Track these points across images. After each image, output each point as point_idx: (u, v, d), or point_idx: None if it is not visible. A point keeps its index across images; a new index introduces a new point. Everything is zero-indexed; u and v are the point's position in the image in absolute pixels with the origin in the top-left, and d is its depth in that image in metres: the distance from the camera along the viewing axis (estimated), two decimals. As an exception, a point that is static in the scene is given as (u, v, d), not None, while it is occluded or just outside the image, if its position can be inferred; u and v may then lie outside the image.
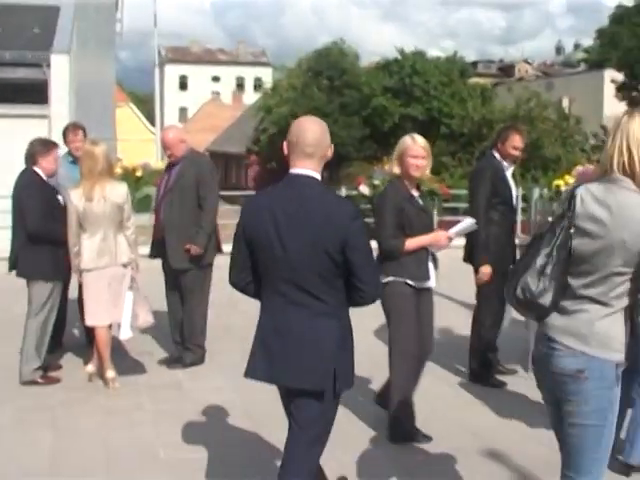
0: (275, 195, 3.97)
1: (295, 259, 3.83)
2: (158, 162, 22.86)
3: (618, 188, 3.48)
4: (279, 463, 5.03)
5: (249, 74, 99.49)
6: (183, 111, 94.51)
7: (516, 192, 7.50)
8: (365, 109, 46.04)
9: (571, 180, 15.75)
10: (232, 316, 9.79)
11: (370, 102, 45.51)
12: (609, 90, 46.60)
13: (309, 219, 3.81)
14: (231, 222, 19.38)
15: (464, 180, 28.76)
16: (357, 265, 3.81)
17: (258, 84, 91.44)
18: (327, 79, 48.13)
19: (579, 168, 16.40)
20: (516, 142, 7.31)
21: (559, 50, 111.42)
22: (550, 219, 3.56)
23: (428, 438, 5.99)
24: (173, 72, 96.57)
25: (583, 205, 3.50)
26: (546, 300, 3.52)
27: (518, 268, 3.65)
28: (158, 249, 7.81)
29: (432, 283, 6.01)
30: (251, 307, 10.13)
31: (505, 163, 7.35)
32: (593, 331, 3.49)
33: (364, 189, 13.84)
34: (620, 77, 44.64)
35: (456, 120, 43.11)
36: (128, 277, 7.12)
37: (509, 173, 7.40)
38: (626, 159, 3.48)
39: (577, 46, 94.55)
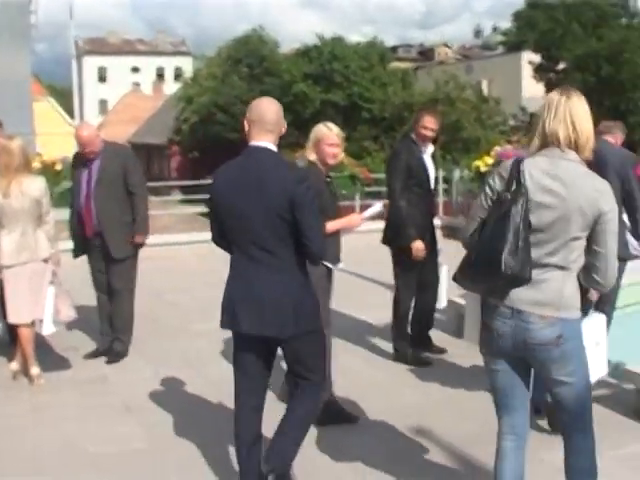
0: (236, 166, 4.51)
1: (255, 222, 4.30)
2: (78, 155, 22.56)
3: (564, 161, 3.78)
4: (210, 455, 5.10)
5: (169, 64, 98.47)
6: (103, 103, 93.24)
7: (435, 174, 7.59)
8: (286, 96, 45.93)
9: (490, 161, 16.01)
10: (156, 307, 9.75)
11: (291, 89, 45.52)
12: (527, 72, 47.34)
13: (264, 186, 4.31)
14: (157, 213, 19.17)
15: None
16: (303, 224, 4.27)
17: (178, 74, 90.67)
18: (247, 67, 48.04)
19: (498, 149, 16.73)
20: (426, 122, 7.40)
21: (478, 33, 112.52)
22: (503, 197, 3.78)
23: (355, 418, 6.09)
24: (92, 64, 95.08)
25: (533, 179, 3.76)
26: (527, 273, 3.73)
27: (485, 246, 3.80)
28: (86, 245, 7.76)
29: (342, 265, 6.11)
30: (176, 297, 10.16)
31: (422, 145, 7.46)
32: (563, 297, 3.80)
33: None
34: (537, 59, 45.36)
35: (377, 105, 43.43)
36: (49, 272, 7.04)
37: (427, 155, 7.49)
38: (571, 134, 3.79)
39: (495, 29, 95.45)
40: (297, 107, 45.32)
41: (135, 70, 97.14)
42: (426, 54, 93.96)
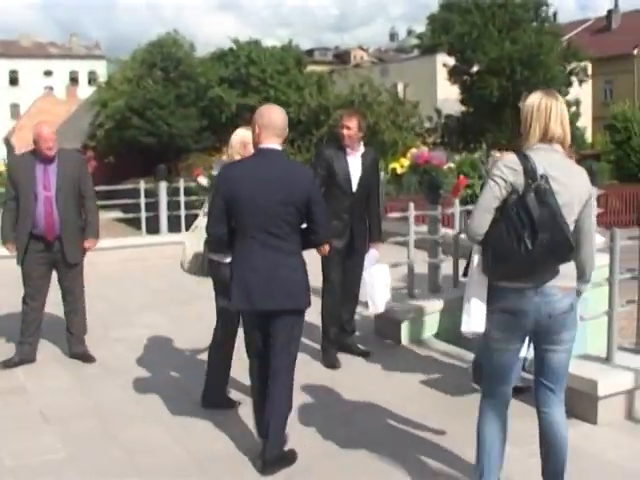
0: (251, 164, 5.24)
1: (269, 211, 5.04)
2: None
3: (559, 154, 4.37)
4: (132, 463, 5.06)
5: (83, 67, 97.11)
6: (15, 107, 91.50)
7: (359, 174, 7.56)
8: (202, 100, 45.85)
9: (406, 162, 16.18)
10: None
11: (207, 93, 45.33)
12: (442, 74, 47.85)
13: (280, 181, 5.08)
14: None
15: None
16: (317, 214, 5.17)
17: (92, 78, 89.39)
18: (162, 70, 47.63)
19: (414, 151, 16.92)
20: (343, 121, 7.49)
21: (393, 36, 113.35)
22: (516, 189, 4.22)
23: (236, 403, 6.41)
24: (3, 67, 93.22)
25: (545, 171, 4.22)
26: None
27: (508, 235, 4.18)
28: (27, 251, 7.63)
29: None
30: (94, 303, 9.99)
31: (348, 147, 7.50)
32: (573, 270, 4.38)
33: (202, 180, 13.83)
34: (452, 62, 45.92)
35: (293, 108, 43.45)
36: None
37: (352, 157, 7.51)
38: (562, 132, 4.37)
39: (410, 32, 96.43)
40: (213, 111, 45.20)
41: (48, 74, 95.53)
42: (342, 57, 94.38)
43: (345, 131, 7.46)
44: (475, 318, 4.53)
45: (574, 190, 4.28)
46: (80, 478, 5.24)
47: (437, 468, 5.25)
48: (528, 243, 4.11)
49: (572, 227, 4.25)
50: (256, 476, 5.18)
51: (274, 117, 5.21)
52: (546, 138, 4.35)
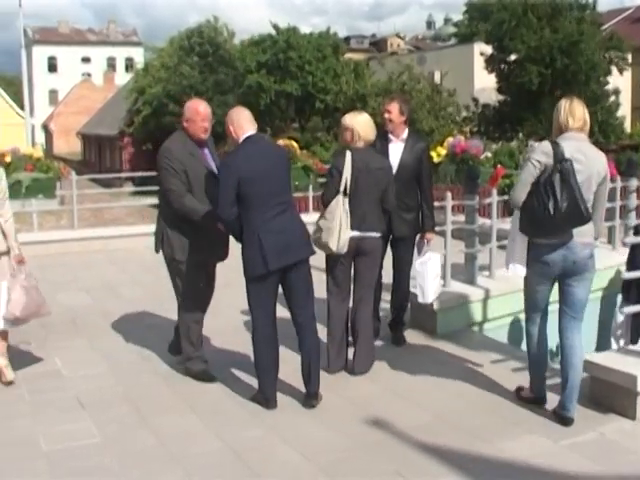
0: (255, 150, 6.08)
1: (280, 184, 6.11)
2: (28, 147, 22.18)
3: (584, 142, 5.73)
4: (166, 449, 5.07)
5: (120, 54, 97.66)
6: (53, 93, 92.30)
7: (400, 160, 7.47)
8: (240, 87, 45.80)
9: (443, 151, 16.05)
10: (109, 300, 9.65)
11: (244, 79, 45.29)
12: (479, 63, 47.50)
13: (280, 158, 6.27)
14: (108, 205, 19.05)
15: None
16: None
17: (130, 64, 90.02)
18: (199, 57, 47.65)
19: (450, 139, 16.77)
20: (385, 105, 7.50)
21: (430, 24, 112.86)
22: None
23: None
24: (41, 53, 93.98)
25: (571, 154, 5.54)
26: (590, 216, 5.61)
27: (564, 203, 5.48)
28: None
29: None
30: (129, 290, 10.05)
31: (389, 133, 7.48)
32: (590, 229, 5.76)
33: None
34: (489, 50, 45.57)
35: (330, 95, 43.38)
36: (6, 267, 6.83)
37: (393, 143, 7.49)
38: (585, 125, 5.76)
39: (447, 20, 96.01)
40: (251, 99, 45.20)
41: (86, 60, 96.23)
42: (378, 45, 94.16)
43: (386, 115, 7.42)
44: (518, 265, 6.17)
45: (593, 170, 5.66)
46: (115, 463, 5.25)
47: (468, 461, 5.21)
48: (551, 210, 5.48)
49: (592, 197, 5.70)
50: (291, 466, 5.16)
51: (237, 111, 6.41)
52: (573, 129, 5.69)
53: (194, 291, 6.82)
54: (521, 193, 5.67)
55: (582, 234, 5.69)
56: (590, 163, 5.63)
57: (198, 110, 6.67)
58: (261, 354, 6.18)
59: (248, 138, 6.11)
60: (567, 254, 5.69)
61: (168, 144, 6.76)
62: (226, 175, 5.98)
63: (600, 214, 5.91)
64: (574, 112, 5.70)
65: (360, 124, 6.81)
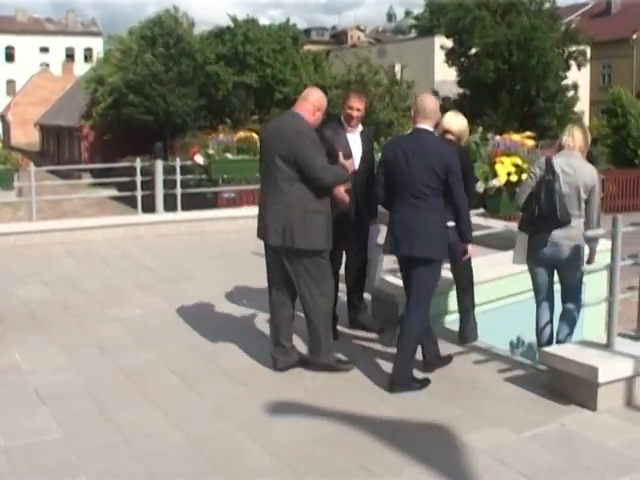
0: (405, 139, 6.70)
1: (415, 176, 6.26)
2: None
3: (574, 157, 6.99)
4: (126, 444, 5.01)
5: (79, 44, 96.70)
6: (11, 84, 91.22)
7: (360, 154, 7.49)
8: (199, 78, 45.61)
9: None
10: (68, 294, 9.55)
11: (203, 70, 45.12)
12: (439, 56, 47.72)
13: (426, 153, 6.30)
14: (67, 197, 18.90)
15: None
16: (452, 183, 6.29)
17: (89, 55, 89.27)
18: (163, 47, 47.39)
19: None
20: (352, 102, 7.43)
21: (391, 17, 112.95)
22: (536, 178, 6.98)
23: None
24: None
25: (560, 168, 6.86)
26: (567, 219, 6.80)
27: (537, 206, 6.86)
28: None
29: None
30: (89, 283, 9.95)
31: (348, 126, 7.47)
32: (575, 229, 6.91)
33: (199, 159, 13.70)
34: (449, 44, 45.76)
35: (290, 87, 43.35)
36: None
37: (353, 135, 7.50)
38: (579, 143, 7.08)
39: (408, 13, 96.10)
40: (210, 90, 45.04)
41: (44, 50, 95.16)
42: (339, 37, 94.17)
43: (354, 112, 7.41)
44: (520, 258, 7.34)
45: (579, 181, 6.88)
46: (76, 459, 5.19)
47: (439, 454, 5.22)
48: (536, 213, 6.84)
49: (582, 204, 6.90)
50: (255, 461, 5.14)
51: (422, 102, 6.56)
52: (568, 147, 7.07)
53: (330, 281, 6.79)
54: (519, 199, 7.13)
55: (570, 236, 6.92)
56: (578, 175, 6.88)
57: None
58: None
59: (414, 130, 6.51)
60: (555, 251, 7.00)
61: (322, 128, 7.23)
62: (381, 155, 6.72)
63: (591, 217, 6.95)
64: (574, 135, 7.07)
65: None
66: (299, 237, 6.44)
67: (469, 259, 7.14)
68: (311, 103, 6.76)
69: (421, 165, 6.22)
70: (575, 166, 6.90)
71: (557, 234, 6.89)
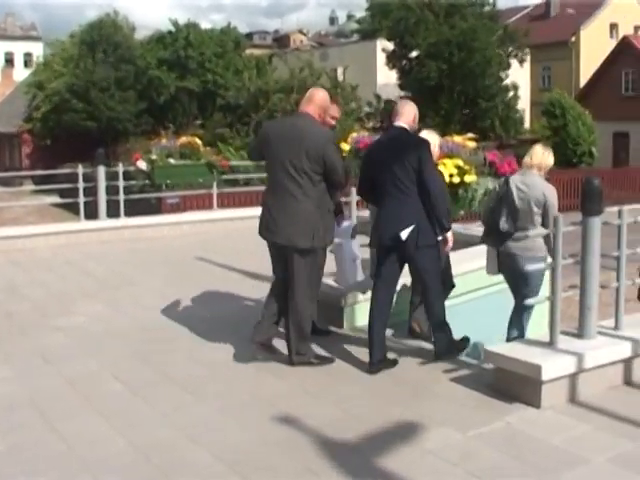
0: (382, 139, 7.26)
1: (392, 169, 6.60)
2: None
3: (530, 175, 7.71)
4: (71, 455, 4.94)
5: (18, 49, 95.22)
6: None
7: None
8: (140, 83, 45.31)
9: (347, 147, 16.07)
10: (10, 302, 9.41)
11: (145, 75, 44.83)
12: (381, 59, 47.90)
13: (399, 149, 6.69)
14: (8, 205, 18.64)
15: (242, 151, 28.82)
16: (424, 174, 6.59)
17: (29, 60, 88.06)
18: (103, 52, 47.00)
19: (354, 135, 16.81)
20: (333, 112, 7.39)
21: (333, 20, 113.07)
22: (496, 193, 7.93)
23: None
24: None
25: (515, 185, 7.67)
26: (512, 230, 7.56)
27: (493, 219, 7.71)
28: None
29: None
30: (31, 291, 9.82)
31: None
32: (534, 245, 7.55)
33: (141, 164, 13.64)
34: (391, 46, 45.97)
35: (232, 91, 43.24)
36: None
37: None
38: (536, 161, 7.77)
39: (350, 17, 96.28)
40: (152, 94, 44.72)
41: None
42: (282, 41, 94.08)
43: (334, 121, 7.49)
44: (492, 268, 7.93)
45: (531, 196, 7.56)
46: (20, 472, 5.10)
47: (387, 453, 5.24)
48: (485, 225, 7.90)
49: (537, 216, 7.55)
50: (201, 466, 5.11)
51: (400, 106, 7.13)
52: (527, 167, 7.79)
53: (320, 278, 7.07)
54: (486, 214, 7.92)
55: (527, 249, 7.58)
56: (530, 192, 7.57)
57: None
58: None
59: (391, 128, 6.99)
60: (512, 263, 7.66)
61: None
62: (364, 155, 7.31)
63: (549, 226, 7.26)
64: (532, 154, 7.76)
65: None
66: (323, 237, 6.74)
67: (447, 258, 7.39)
68: (316, 104, 6.88)
69: (396, 159, 6.59)
70: (528, 183, 7.61)
71: (512, 245, 7.61)
